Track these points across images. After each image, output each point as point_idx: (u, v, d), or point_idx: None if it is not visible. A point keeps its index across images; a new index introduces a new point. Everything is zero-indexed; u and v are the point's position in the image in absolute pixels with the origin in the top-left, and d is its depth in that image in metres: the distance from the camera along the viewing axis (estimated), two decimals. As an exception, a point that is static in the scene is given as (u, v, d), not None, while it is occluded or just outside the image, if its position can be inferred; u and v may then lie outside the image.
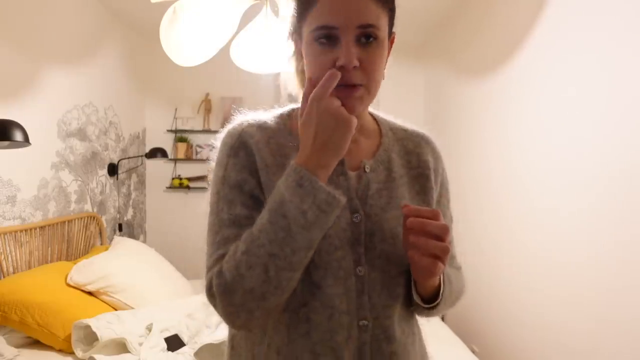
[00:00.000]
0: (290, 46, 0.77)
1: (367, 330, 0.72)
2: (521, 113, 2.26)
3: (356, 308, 0.71)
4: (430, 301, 0.75)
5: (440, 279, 0.74)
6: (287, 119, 0.79)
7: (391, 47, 0.76)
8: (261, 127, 0.75)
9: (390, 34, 0.74)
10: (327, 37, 0.67)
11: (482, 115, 2.73)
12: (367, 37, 0.67)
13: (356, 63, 0.66)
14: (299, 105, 0.78)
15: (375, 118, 0.84)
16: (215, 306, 0.67)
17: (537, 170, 2.11)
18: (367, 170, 0.76)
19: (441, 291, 0.74)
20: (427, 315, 0.81)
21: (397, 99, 3.92)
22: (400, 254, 0.73)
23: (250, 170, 0.72)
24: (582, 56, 1.78)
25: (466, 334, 2.76)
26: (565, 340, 1.88)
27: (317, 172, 0.63)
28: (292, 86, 0.82)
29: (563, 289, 1.90)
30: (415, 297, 0.74)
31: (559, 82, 1.94)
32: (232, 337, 0.80)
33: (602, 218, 1.67)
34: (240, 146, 0.73)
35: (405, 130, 0.84)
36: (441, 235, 0.64)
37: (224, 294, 0.64)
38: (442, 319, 3.27)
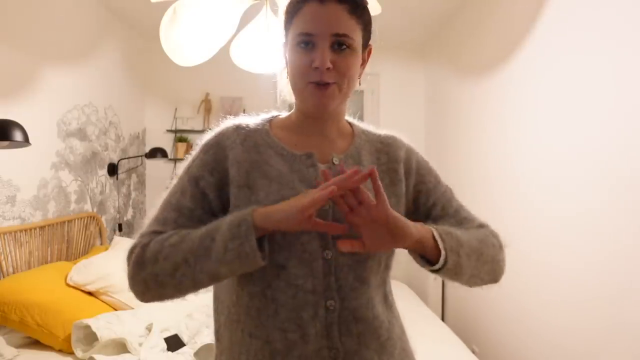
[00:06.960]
0: (283, 56, 0.86)
1: (334, 310, 0.77)
2: (521, 112, 2.26)
3: (323, 289, 0.77)
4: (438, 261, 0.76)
5: (433, 238, 0.76)
6: (267, 122, 0.88)
7: (368, 58, 0.87)
8: (239, 127, 0.85)
9: (366, 46, 0.85)
10: (306, 43, 0.78)
11: (482, 114, 2.73)
12: (340, 45, 0.78)
13: (329, 65, 0.77)
14: (282, 112, 0.91)
15: (350, 124, 0.93)
16: (126, 268, 0.77)
17: (537, 170, 2.10)
18: (336, 162, 0.84)
19: (442, 248, 0.75)
20: (453, 277, 0.79)
21: (398, 98, 3.92)
22: None
23: (212, 169, 0.80)
24: (582, 55, 1.78)
25: (466, 334, 2.76)
26: (565, 341, 1.88)
27: (262, 224, 0.71)
28: (286, 93, 0.90)
29: (563, 290, 1.90)
30: (418, 262, 0.78)
31: (558, 81, 1.94)
32: (217, 330, 0.86)
33: (603, 219, 1.67)
34: (214, 145, 0.83)
35: (376, 134, 0.94)
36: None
37: (136, 264, 0.75)
38: (442, 318, 3.27)
